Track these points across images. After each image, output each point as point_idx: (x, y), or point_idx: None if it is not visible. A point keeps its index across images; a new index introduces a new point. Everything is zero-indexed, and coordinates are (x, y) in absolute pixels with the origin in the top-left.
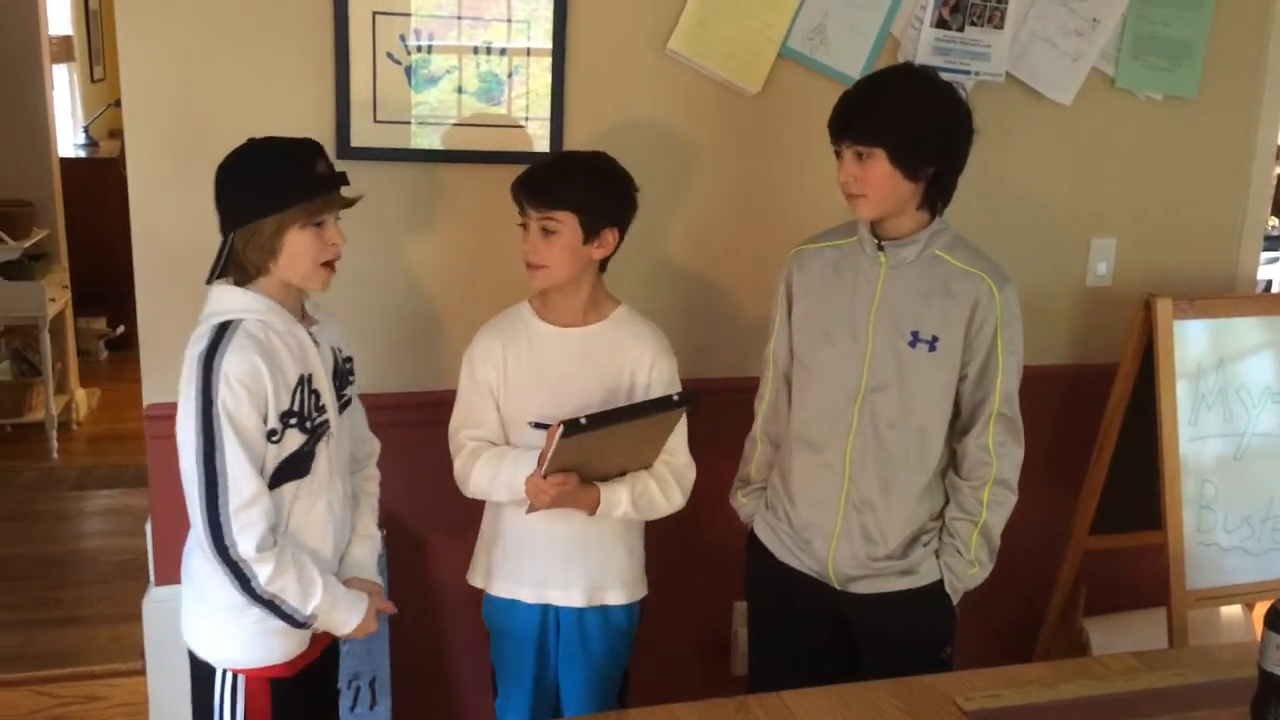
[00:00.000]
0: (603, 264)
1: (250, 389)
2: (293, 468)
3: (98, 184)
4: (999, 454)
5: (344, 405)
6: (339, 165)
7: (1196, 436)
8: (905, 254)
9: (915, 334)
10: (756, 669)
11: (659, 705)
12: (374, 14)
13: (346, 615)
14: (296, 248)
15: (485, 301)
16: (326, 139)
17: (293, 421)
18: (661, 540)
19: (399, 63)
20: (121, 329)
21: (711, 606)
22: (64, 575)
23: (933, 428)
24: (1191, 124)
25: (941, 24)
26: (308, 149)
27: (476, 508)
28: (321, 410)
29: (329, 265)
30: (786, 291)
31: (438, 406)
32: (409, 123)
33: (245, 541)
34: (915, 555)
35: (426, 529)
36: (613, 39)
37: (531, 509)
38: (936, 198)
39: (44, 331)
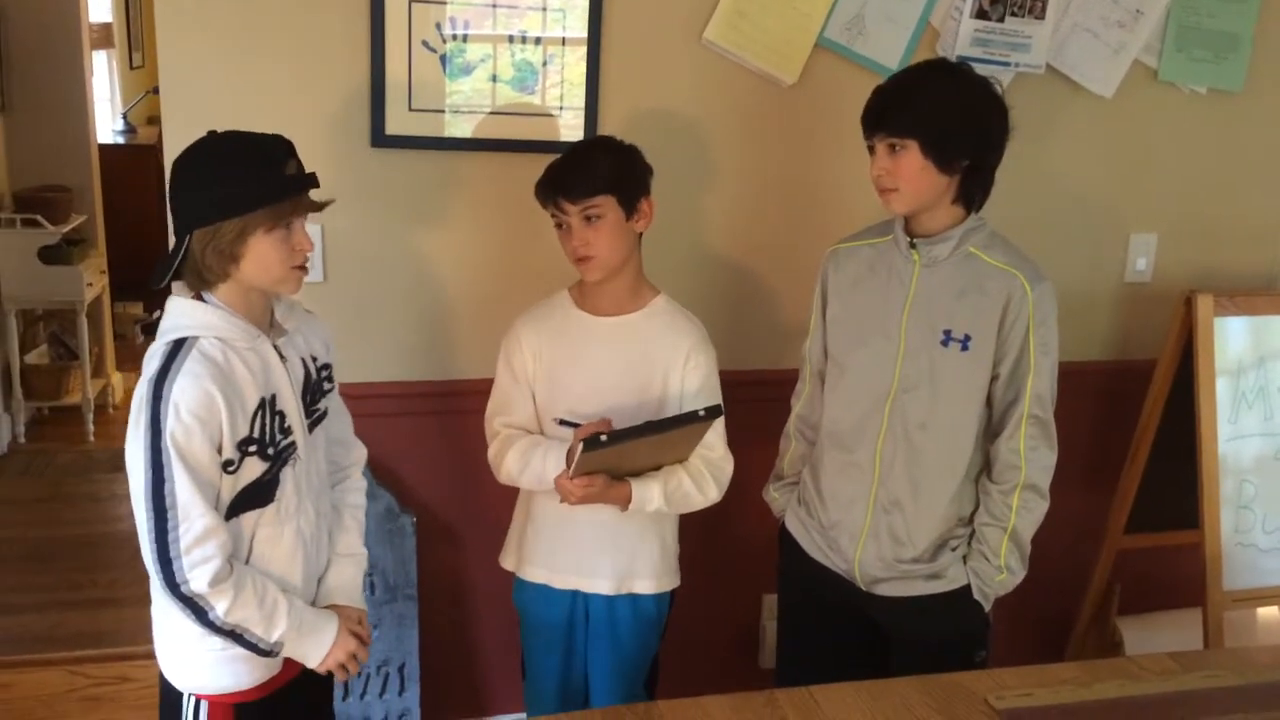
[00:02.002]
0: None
1: (202, 419)
2: (253, 497)
3: (136, 170)
4: (1029, 458)
5: (317, 421)
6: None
7: (1236, 435)
8: (938, 251)
9: (948, 333)
10: (782, 663)
11: (688, 697)
12: (410, 2)
13: (314, 641)
14: (261, 253)
15: (520, 290)
16: (362, 127)
17: (252, 449)
18: (693, 531)
19: (434, 51)
20: (158, 314)
21: (741, 599)
22: (98, 557)
23: (964, 429)
24: (1236, 118)
25: (981, 14)
26: (278, 147)
27: (504, 494)
28: (287, 432)
29: (301, 267)
30: (822, 291)
31: (471, 395)
32: (443, 111)
33: (198, 579)
34: (943, 560)
35: (455, 516)
36: (648, 28)
37: (565, 500)
38: (972, 193)
39: (81, 316)
